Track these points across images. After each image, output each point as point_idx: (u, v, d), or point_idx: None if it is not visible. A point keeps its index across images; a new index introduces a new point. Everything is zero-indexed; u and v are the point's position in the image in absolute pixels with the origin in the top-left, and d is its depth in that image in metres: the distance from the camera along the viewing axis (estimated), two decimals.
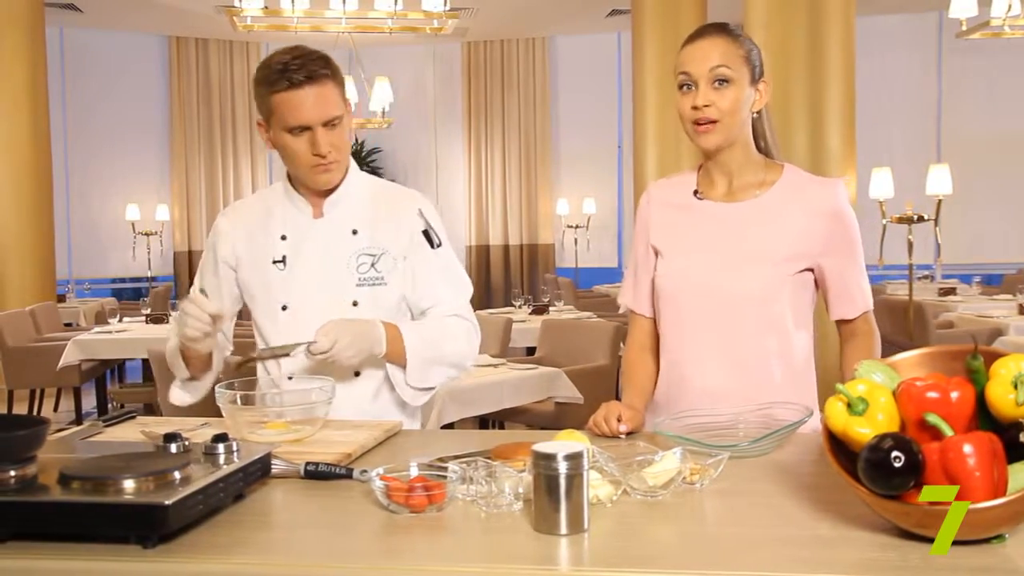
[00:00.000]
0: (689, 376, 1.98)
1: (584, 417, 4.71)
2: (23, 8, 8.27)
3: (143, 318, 6.99)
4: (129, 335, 6.37)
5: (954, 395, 1.21)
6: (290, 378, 2.11)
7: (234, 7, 7.68)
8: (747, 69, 1.92)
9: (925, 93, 11.34)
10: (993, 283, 9.94)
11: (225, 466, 1.37)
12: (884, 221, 6.37)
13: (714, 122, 1.90)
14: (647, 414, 2.03)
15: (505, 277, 12.48)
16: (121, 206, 11.30)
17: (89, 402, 7.23)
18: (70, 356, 6.10)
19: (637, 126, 9.19)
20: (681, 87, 1.94)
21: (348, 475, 1.52)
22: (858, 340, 2.01)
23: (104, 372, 6.85)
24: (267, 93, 2.01)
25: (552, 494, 1.25)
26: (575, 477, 1.25)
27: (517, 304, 7.54)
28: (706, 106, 1.89)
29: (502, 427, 5.14)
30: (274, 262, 2.13)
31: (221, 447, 1.42)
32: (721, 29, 1.95)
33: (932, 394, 1.21)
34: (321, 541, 1.31)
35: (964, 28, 7.50)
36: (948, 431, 1.18)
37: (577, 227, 12.24)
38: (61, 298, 8.94)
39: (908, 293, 6.61)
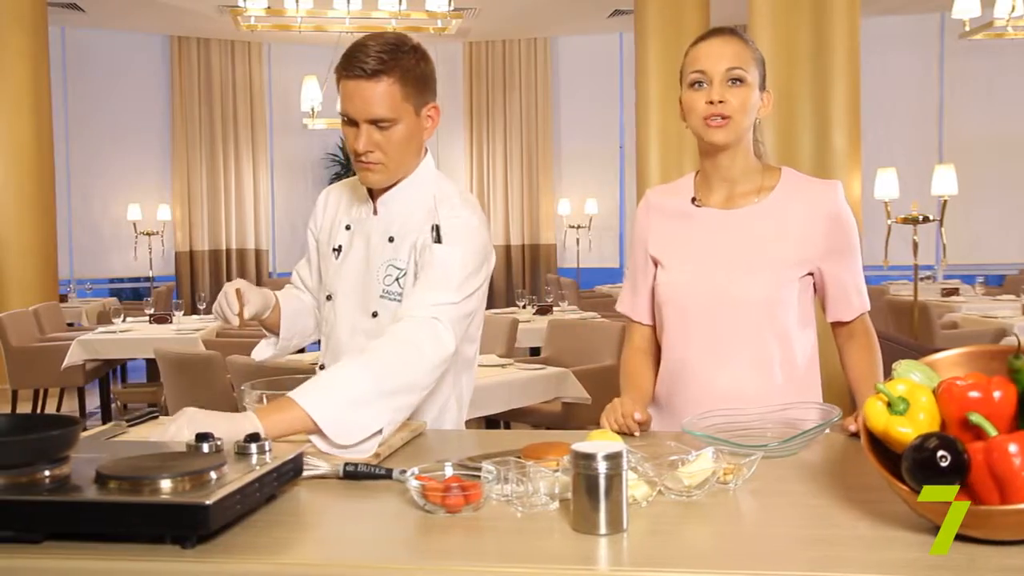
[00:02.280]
0: (692, 377, 1.98)
1: (591, 417, 4.73)
2: (26, 8, 8.27)
3: (147, 318, 6.99)
4: (133, 335, 6.36)
5: (996, 395, 1.21)
6: (321, 367, 2.09)
7: (237, 7, 7.67)
8: (757, 72, 1.94)
9: (927, 94, 11.36)
10: (993, 283, 9.95)
11: (259, 466, 1.36)
12: (889, 222, 6.37)
13: (727, 118, 1.90)
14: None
15: (507, 277, 12.48)
16: (123, 206, 11.29)
17: (92, 402, 7.22)
18: (74, 356, 6.10)
19: (640, 126, 9.18)
20: (693, 84, 1.93)
21: (388, 475, 1.51)
22: (859, 340, 2.01)
23: (107, 372, 6.84)
24: (337, 75, 1.93)
25: (592, 494, 1.25)
26: (614, 477, 1.25)
27: (521, 304, 7.53)
28: (721, 102, 1.90)
29: (508, 427, 5.13)
30: (333, 250, 2.09)
31: (254, 447, 1.42)
32: (732, 32, 1.97)
33: (974, 394, 1.21)
34: (359, 541, 1.30)
35: (967, 29, 7.51)
36: (992, 431, 1.18)
37: (579, 227, 12.24)
38: (63, 298, 8.93)
39: (913, 294, 6.62)
